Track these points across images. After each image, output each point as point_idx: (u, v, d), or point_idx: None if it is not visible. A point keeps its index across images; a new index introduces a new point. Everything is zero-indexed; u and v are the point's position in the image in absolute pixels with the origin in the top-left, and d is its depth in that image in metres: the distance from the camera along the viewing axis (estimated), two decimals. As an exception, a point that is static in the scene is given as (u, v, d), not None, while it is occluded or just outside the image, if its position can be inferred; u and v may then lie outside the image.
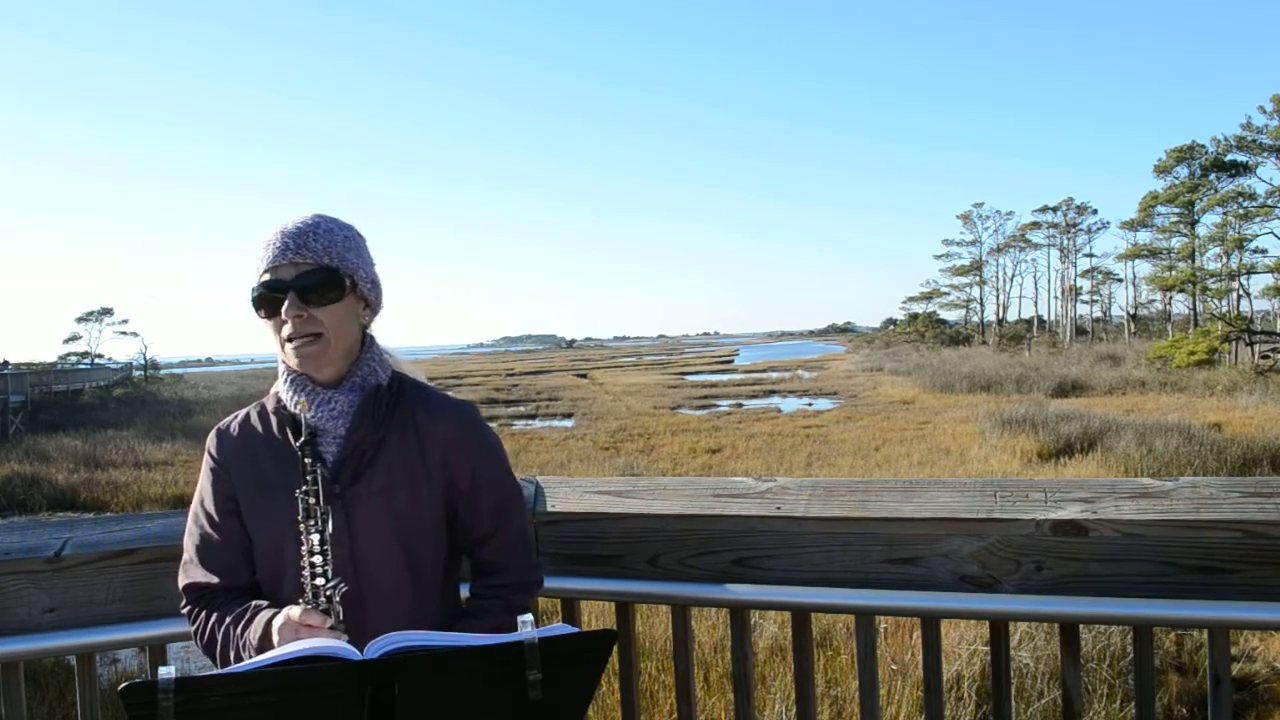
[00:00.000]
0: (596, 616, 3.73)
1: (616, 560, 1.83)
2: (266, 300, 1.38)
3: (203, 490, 1.47)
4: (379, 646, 1.13)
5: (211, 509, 1.44)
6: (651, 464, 17.66)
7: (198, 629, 1.42)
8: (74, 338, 59.18)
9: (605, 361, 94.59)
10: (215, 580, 1.42)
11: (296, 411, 1.39)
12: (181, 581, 1.45)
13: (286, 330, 1.37)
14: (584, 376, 58.84)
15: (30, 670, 1.83)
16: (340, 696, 1.08)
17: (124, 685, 1.00)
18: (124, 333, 60.43)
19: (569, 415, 30.64)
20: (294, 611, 1.28)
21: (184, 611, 1.45)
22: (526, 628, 1.14)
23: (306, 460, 1.31)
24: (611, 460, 18.04)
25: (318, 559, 1.29)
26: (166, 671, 1.01)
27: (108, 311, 59.68)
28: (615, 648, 1.36)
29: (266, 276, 1.38)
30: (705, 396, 36.66)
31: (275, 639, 1.28)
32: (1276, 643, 6.06)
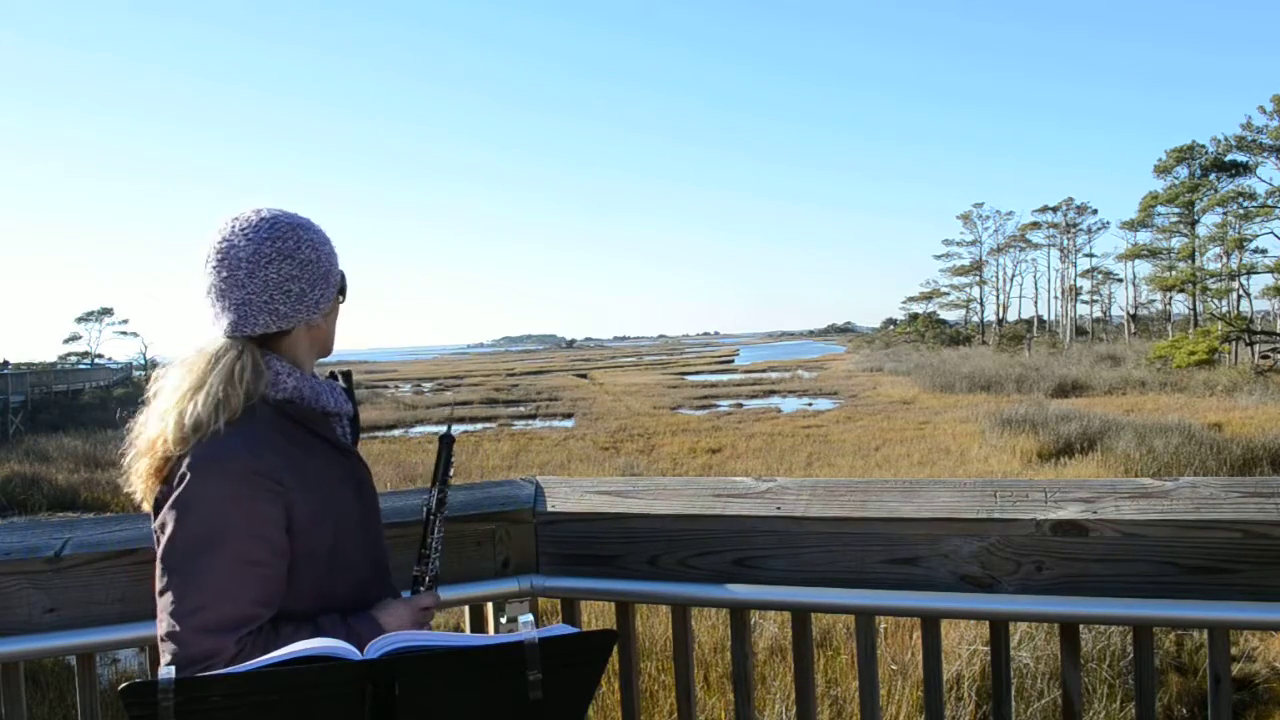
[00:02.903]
0: (596, 616, 3.73)
1: (616, 560, 1.83)
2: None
3: (263, 522, 1.28)
4: (379, 646, 1.13)
5: (279, 537, 1.30)
6: (651, 464, 17.66)
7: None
8: (74, 338, 59.36)
9: (605, 361, 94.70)
10: (268, 616, 1.30)
11: (321, 404, 1.43)
12: (216, 643, 1.23)
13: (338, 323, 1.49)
14: (584, 376, 58.88)
15: (30, 670, 1.83)
16: (340, 696, 1.08)
17: (124, 685, 1.00)
18: (124, 333, 60.60)
19: (569, 415, 30.62)
20: (422, 599, 1.41)
21: (230, 653, 1.23)
22: (527, 628, 1.14)
23: (451, 451, 1.47)
24: (611, 460, 18.04)
25: (433, 541, 1.43)
26: (166, 671, 1.01)
27: (108, 311, 59.84)
28: (615, 648, 1.36)
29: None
30: (705, 396, 36.66)
31: (394, 630, 1.32)
32: (1276, 643, 6.06)
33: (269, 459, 1.30)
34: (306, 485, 1.34)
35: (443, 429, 1.53)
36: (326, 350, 1.48)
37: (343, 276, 1.46)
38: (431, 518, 1.45)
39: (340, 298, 1.47)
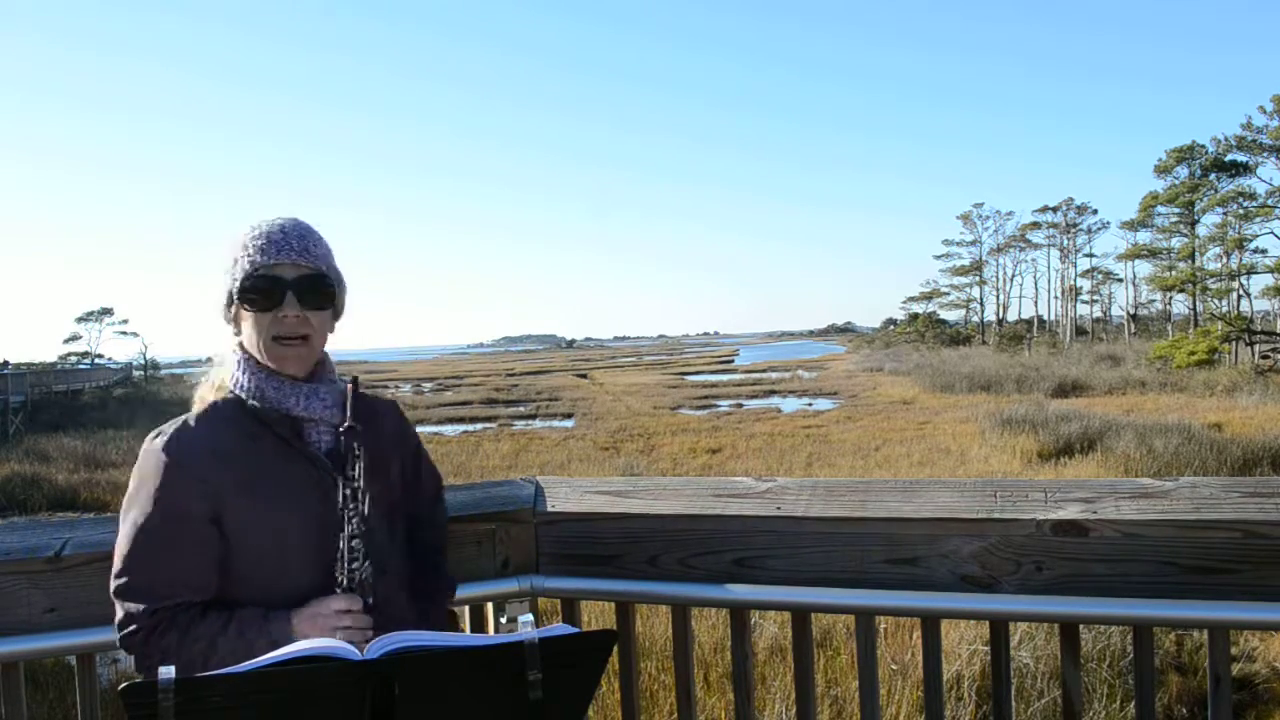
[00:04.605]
0: (596, 616, 3.73)
1: (616, 560, 1.83)
2: (263, 293, 1.38)
3: (165, 501, 1.33)
4: (379, 646, 1.13)
5: (187, 518, 1.34)
6: (651, 464, 17.64)
7: (166, 649, 1.31)
8: (74, 338, 59.28)
9: (605, 361, 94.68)
10: (189, 598, 1.34)
11: (278, 404, 1.41)
12: (134, 606, 1.32)
13: (276, 329, 1.39)
14: (584, 376, 58.86)
15: (30, 670, 1.83)
16: (340, 696, 1.08)
17: (124, 685, 1.00)
18: (124, 333, 60.51)
19: (569, 415, 30.59)
20: (332, 601, 1.33)
21: (134, 637, 1.32)
22: (527, 628, 1.14)
23: (354, 445, 1.37)
24: (611, 460, 18.03)
25: (357, 543, 1.34)
26: (166, 671, 1.01)
27: (108, 311, 59.76)
28: (615, 648, 1.36)
29: (263, 272, 1.38)
30: (705, 396, 36.64)
31: (302, 631, 1.30)
32: (1276, 643, 6.05)
33: (199, 452, 1.36)
34: (246, 486, 1.37)
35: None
36: (266, 357, 1.40)
37: (243, 281, 1.38)
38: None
39: (241, 303, 1.39)
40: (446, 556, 1.67)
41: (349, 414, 1.43)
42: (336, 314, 1.50)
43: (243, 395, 1.41)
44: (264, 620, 1.33)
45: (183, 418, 1.40)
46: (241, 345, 1.44)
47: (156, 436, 1.38)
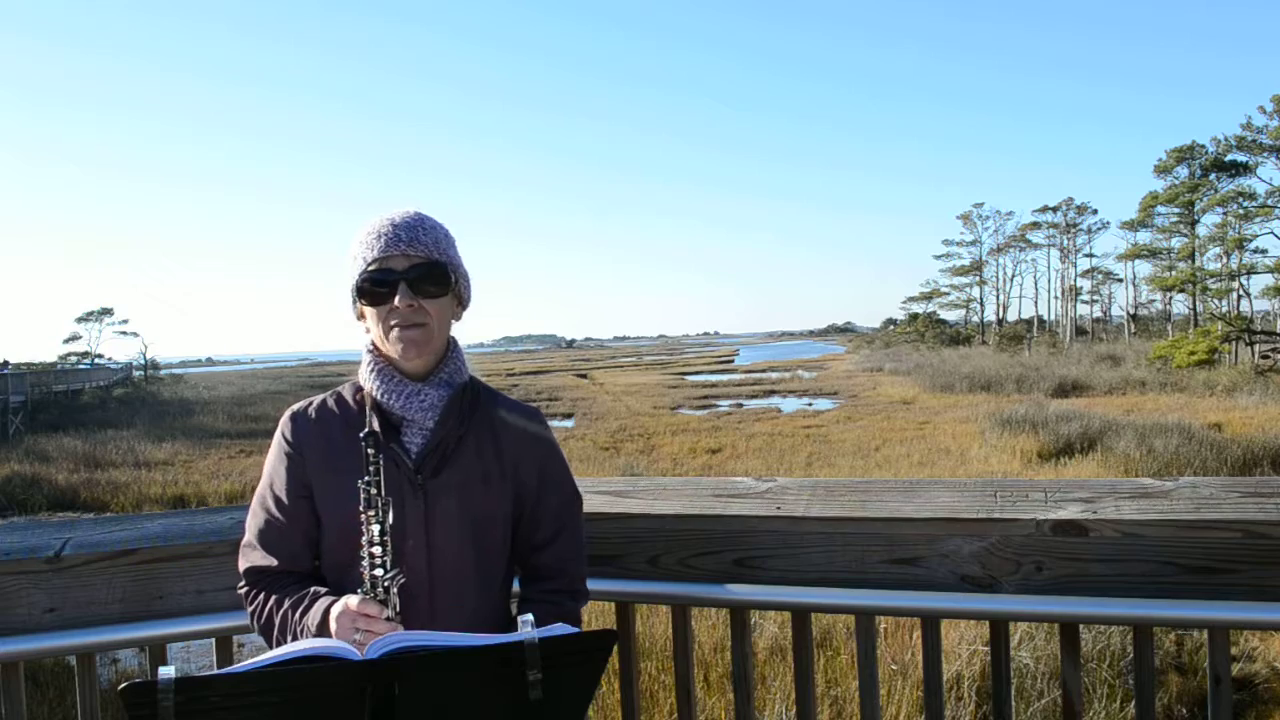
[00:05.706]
0: (596, 617, 3.73)
1: (616, 560, 1.83)
2: (375, 287, 1.41)
3: (273, 473, 1.47)
4: (379, 646, 1.13)
5: (282, 493, 1.44)
6: (651, 464, 17.65)
7: (255, 610, 1.43)
8: (74, 338, 59.23)
9: (605, 361, 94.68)
10: (275, 564, 1.43)
11: (380, 399, 1.43)
12: (241, 564, 1.46)
13: (394, 318, 1.41)
14: (584, 376, 58.89)
15: (30, 670, 1.83)
16: (340, 697, 1.08)
17: (124, 685, 1.00)
18: (124, 333, 60.48)
19: (569, 415, 30.61)
20: (352, 600, 1.29)
21: (241, 592, 1.45)
22: (527, 628, 1.14)
23: (370, 451, 1.33)
24: (611, 460, 18.04)
25: (377, 549, 1.32)
26: (166, 671, 1.01)
27: (108, 311, 59.72)
28: (615, 648, 1.36)
29: (375, 266, 1.41)
30: (705, 396, 36.66)
31: (333, 627, 1.30)
32: (1276, 643, 6.06)
33: (300, 423, 1.47)
34: (327, 464, 1.44)
35: None
36: (385, 351, 1.45)
37: (359, 278, 1.43)
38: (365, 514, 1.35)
39: (359, 299, 1.45)
40: (569, 584, 1.53)
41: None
42: (461, 302, 1.51)
43: (364, 387, 1.47)
44: (313, 601, 1.36)
45: (314, 398, 1.51)
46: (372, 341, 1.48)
47: (286, 412, 1.50)
